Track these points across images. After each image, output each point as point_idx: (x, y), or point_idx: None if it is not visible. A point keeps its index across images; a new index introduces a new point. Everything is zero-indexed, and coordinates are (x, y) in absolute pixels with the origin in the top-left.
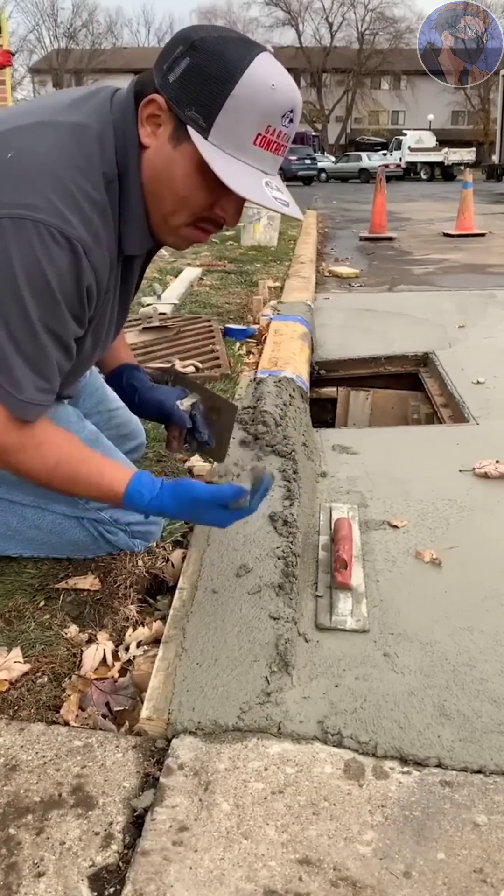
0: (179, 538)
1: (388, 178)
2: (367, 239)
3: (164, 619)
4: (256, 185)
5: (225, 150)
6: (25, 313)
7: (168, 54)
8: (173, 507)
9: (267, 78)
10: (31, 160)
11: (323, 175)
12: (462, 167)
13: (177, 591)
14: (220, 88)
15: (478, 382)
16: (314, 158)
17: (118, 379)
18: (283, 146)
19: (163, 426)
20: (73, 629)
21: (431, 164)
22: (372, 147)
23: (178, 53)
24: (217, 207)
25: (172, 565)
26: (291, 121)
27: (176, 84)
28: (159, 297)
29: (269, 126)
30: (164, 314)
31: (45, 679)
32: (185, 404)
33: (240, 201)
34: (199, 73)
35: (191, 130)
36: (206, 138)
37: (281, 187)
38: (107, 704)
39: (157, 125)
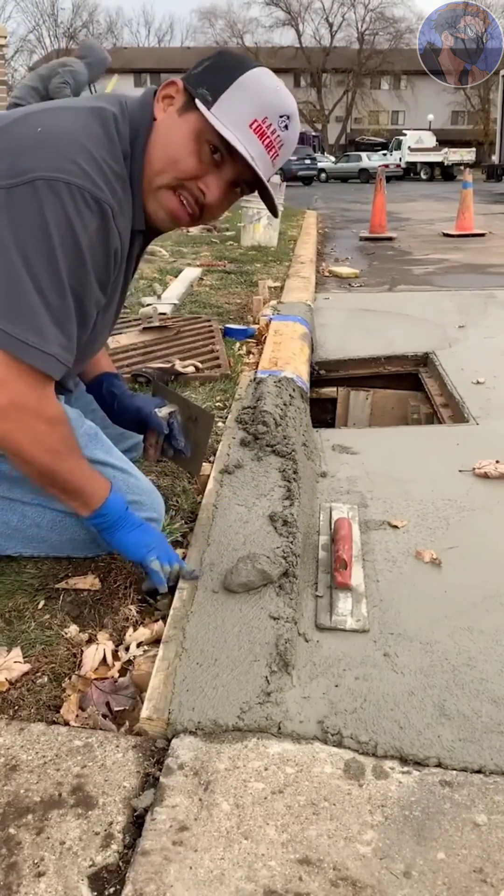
0: (179, 538)
1: (388, 179)
2: (367, 239)
3: (164, 619)
4: (245, 153)
5: (224, 123)
6: (57, 273)
7: (198, 63)
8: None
9: (273, 81)
10: (60, 133)
11: (323, 175)
12: (462, 167)
13: (177, 591)
14: (231, 74)
15: (478, 382)
16: (314, 158)
17: (98, 387)
18: (275, 147)
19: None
20: (73, 629)
21: (431, 164)
22: (372, 147)
23: (206, 58)
24: (201, 181)
25: None
26: (287, 127)
27: (196, 73)
28: (159, 297)
29: (266, 118)
30: (164, 314)
31: (45, 679)
32: (163, 412)
33: (224, 185)
34: (217, 66)
35: (198, 103)
36: (210, 109)
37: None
38: (107, 704)
39: (170, 103)
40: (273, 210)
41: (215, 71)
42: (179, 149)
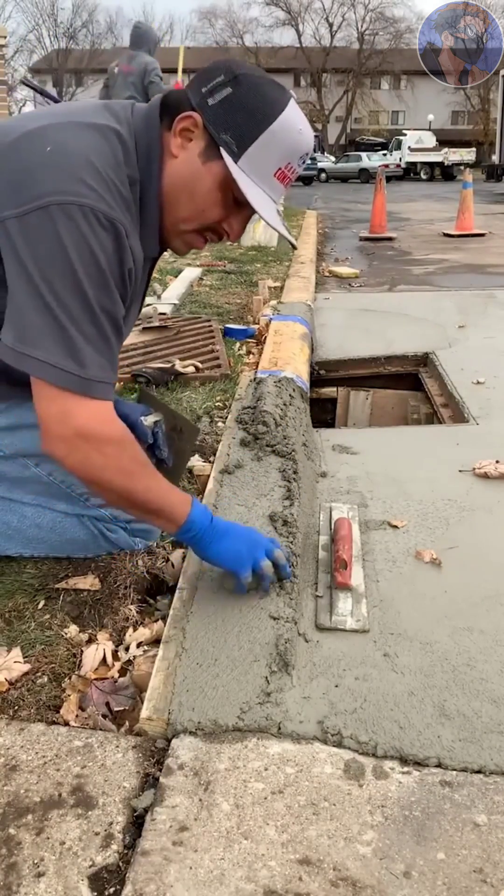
0: None
1: (388, 179)
2: (367, 239)
3: (164, 619)
4: (272, 211)
5: (250, 176)
6: (84, 296)
7: (207, 79)
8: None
9: (297, 123)
10: (70, 153)
11: (323, 175)
12: (462, 167)
13: (177, 591)
14: (258, 124)
15: (478, 382)
16: (314, 158)
17: None
18: (292, 181)
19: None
20: (73, 629)
21: (431, 165)
22: (372, 147)
23: (219, 81)
24: (225, 222)
25: (172, 565)
26: (304, 161)
27: (215, 108)
28: (159, 297)
29: (290, 163)
30: (164, 314)
31: (45, 679)
32: (148, 420)
33: (245, 221)
34: (239, 104)
35: (223, 152)
36: (236, 162)
37: (280, 215)
38: (107, 704)
39: (188, 139)
40: (291, 244)
41: (240, 112)
42: (206, 200)
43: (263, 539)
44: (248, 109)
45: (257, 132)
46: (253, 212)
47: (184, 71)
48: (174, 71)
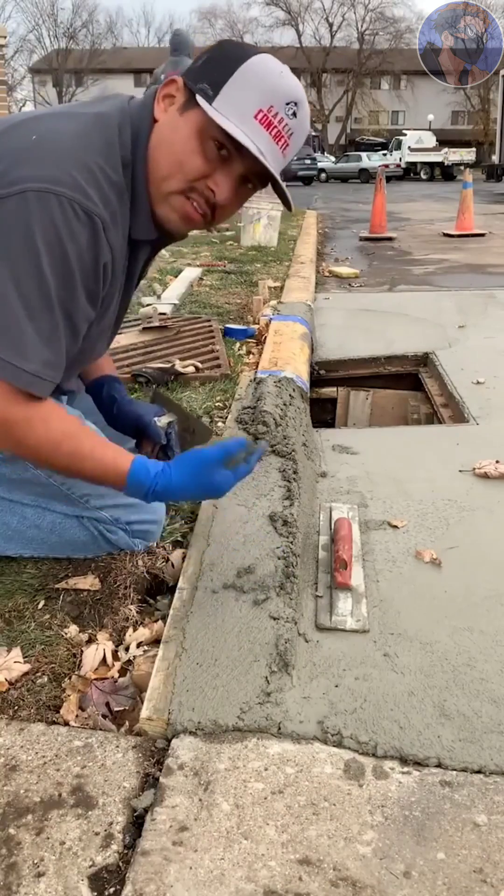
0: (179, 538)
1: (388, 179)
2: (367, 239)
3: (164, 619)
4: (254, 147)
5: (228, 116)
6: (45, 287)
7: (198, 57)
8: (178, 476)
9: (277, 66)
10: (54, 141)
11: (323, 175)
12: (462, 167)
13: (177, 591)
14: (232, 64)
15: (478, 382)
16: (314, 158)
17: (98, 389)
18: (284, 137)
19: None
20: (73, 629)
21: (431, 165)
22: (372, 147)
23: (206, 52)
24: (210, 180)
25: (172, 565)
26: (295, 115)
27: (196, 68)
28: (159, 297)
29: (272, 106)
30: (164, 314)
31: (45, 679)
32: (162, 421)
33: (232, 179)
34: (218, 57)
35: (199, 98)
36: (211, 104)
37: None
38: (107, 704)
39: (171, 102)
40: (287, 203)
41: (215, 63)
42: (183, 149)
43: (223, 475)
44: (224, 58)
45: (231, 71)
46: (241, 166)
47: None
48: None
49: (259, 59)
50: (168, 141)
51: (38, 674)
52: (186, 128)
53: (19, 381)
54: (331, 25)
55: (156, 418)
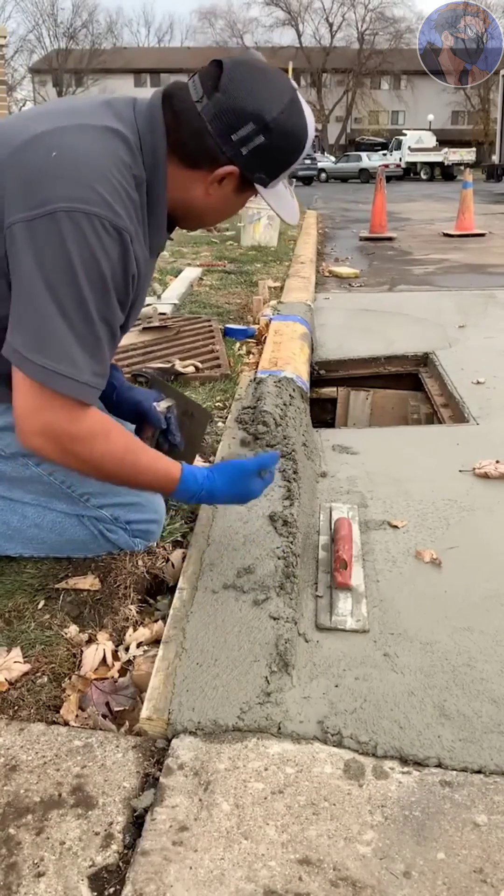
0: (179, 538)
1: (388, 178)
2: (367, 239)
3: (164, 619)
4: (291, 205)
5: (274, 191)
6: (85, 304)
7: (237, 125)
8: (222, 482)
9: (312, 134)
10: (75, 157)
11: (323, 175)
12: (462, 167)
13: (177, 591)
14: (288, 159)
15: (478, 382)
16: (314, 158)
17: None
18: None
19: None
20: (73, 629)
21: (431, 164)
22: (372, 147)
23: (250, 131)
24: None
25: (172, 565)
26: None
27: (249, 156)
28: (159, 297)
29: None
30: (164, 314)
31: (45, 679)
32: (161, 406)
33: None
34: (272, 151)
35: (258, 185)
36: (266, 187)
37: (289, 189)
38: (107, 704)
39: (227, 183)
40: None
41: (273, 156)
42: (232, 211)
43: (256, 483)
44: (280, 152)
45: (287, 165)
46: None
47: (183, 71)
48: (174, 71)
49: (309, 136)
50: (223, 210)
51: (38, 674)
52: (239, 203)
53: (80, 393)
54: (331, 25)
55: (155, 403)
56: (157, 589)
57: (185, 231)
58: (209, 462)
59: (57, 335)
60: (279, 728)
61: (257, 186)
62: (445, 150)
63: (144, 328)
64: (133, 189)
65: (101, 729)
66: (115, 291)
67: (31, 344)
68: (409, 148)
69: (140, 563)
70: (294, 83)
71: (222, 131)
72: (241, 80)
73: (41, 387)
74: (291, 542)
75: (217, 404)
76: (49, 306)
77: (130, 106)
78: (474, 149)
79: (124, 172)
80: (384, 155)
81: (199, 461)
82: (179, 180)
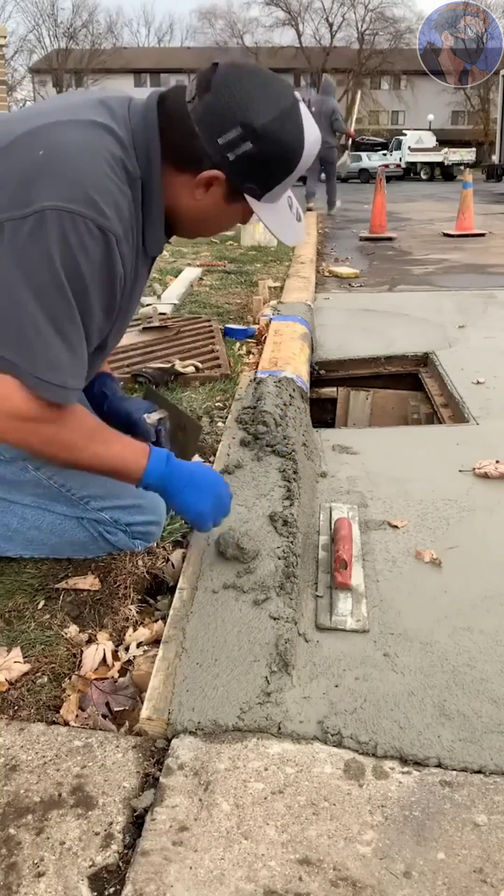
0: (179, 538)
1: (388, 178)
2: (367, 239)
3: (164, 619)
4: (291, 225)
5: (271, 205)
6: (68, 305)
7: (222, 129)
8: (195, 465)
9: (312, 150)
10: (64, 156)
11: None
12: (462, 167)
13: (177, 591)
14: (281, 172)
15: (478, 382)
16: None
17: (90, 385)
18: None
19: None
20: (73, 629)
21: (431, 164)
22: (372, 147)
23: (237, 136)
24: None
25: (172, 565)
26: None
27: (236, 164)
28: (159, 297)
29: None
30: (164, 314)
31: (45, 679)
32: (152, 418)
33: None
34: (261, 160)
35: (247, 196)
36: (259, 200)
37: (293, 201)
38: (107, 704)
39: (209, 186)
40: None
41: (261, 165)
42: (230, 223)
43: (227, 502)
44: (270, 161)
45: (279, 178)
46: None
47: (183, 71)
48: (174, 71)
49: (304, 158)
50: (217, 220)
51: (38, 674)
52: (234, 215)
53: (56, 396)
54: (331, 25)
55: (146, 415)
56: (157, 589)
57: None
58: (209, 461)
59: (39, 337)
60: (279, 728)
61: (248, 199)
62: (445, 150)
63: (144, 328)
64: (125, 184)
65: (101, 729)
66: (99, 294)
67: (7, 343)
68: (409, 148)
69: (140, 563)
70: (297, 94)
71: (209, 134)
72: (233, 82)
73: (21, 383)
74: (291, 542)
75: (217, 404)
76: (32, 307)
77: (125, 104)
78: (474, 149)
79: (115, 167)
80: (384, 155)
81: (198, 461)
82: (172, 183)
